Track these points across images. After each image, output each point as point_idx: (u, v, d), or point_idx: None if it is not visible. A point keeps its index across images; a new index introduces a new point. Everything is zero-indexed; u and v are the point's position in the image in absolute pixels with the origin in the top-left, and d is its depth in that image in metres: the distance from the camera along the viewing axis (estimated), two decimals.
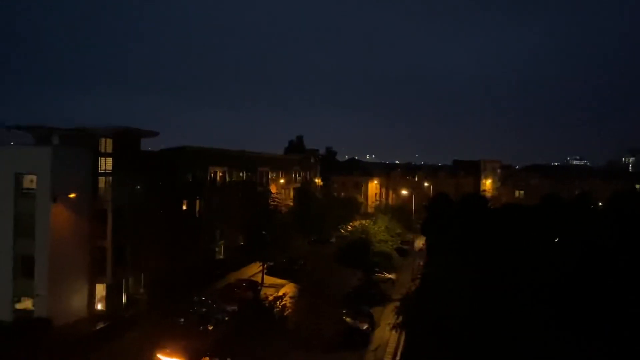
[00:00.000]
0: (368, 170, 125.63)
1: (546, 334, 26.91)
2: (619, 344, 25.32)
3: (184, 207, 54.25)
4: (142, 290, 45.37)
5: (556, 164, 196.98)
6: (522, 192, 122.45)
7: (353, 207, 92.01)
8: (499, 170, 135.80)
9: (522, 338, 26.83)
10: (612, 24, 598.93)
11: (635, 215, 44.40)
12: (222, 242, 61.91)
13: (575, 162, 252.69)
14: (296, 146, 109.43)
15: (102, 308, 42.86)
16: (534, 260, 36.13)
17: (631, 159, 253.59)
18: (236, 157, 66.55)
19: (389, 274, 61.58)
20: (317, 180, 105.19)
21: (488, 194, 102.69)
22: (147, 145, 51.07)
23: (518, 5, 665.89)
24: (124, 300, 44.33)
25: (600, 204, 72.83)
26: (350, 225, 73.75)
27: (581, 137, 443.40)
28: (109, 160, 43.68)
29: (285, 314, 36.35)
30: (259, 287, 51.59)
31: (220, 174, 62.05)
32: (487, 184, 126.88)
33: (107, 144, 43.89)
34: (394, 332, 39.75)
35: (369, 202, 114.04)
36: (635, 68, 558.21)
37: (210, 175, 60.07)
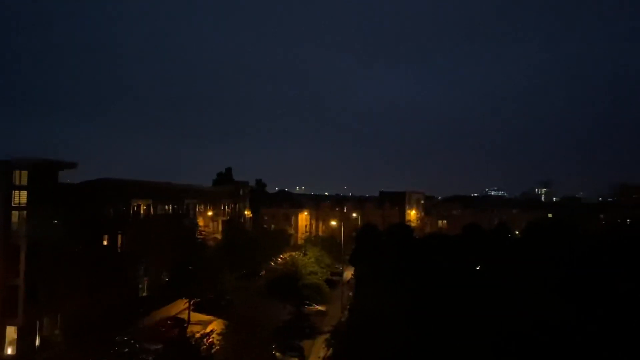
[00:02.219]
0: (298, 202, 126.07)
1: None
2: None
3: (105, 242, 51.80)
4: (57, 332, 42.46)
5: (476, 194, 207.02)
6: (445, 221, 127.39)
7: (283, 239, 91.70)
8: (422, 201, 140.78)
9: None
10: (525, 59, 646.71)
11: (550, 244, 47.27)
12: (147, 278, 59.39)
13: (493, 192, 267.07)
14: (225, 178, 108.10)
15: (12, 353, 39.64)
16: (458, 287, 37.45)
17: (543, 190, 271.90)
18: (161, 190, 64.71)
19: (319, 305, 61.44)
20: (247, 213, 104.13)
21: (413, 224, 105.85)
22: (66, 177, 48.72)
23: (439, 43, 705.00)
24: (37, 342, 41.25)
25: (517, 232, 77.02)
26: (280, 258, 73.29)
27: (499, 169, 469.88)
28: (24, 193, 41.20)
29: (212, 352, 35.17)
30: (185, 325, 49.75)
31: (144, 207, 59.96)
32: (412, 214, 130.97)
33: (21, 176, 41.43)
34: None
35: (299, 234, 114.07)
36: (541, 103, 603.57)
37: (133, 209, 57.91)
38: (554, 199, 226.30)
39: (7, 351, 39.71)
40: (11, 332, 39.89)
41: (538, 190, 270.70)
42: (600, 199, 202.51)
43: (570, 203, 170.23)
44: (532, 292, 32.61)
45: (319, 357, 40.53)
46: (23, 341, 39.81)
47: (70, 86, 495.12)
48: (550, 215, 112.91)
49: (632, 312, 29.14)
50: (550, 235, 48.20)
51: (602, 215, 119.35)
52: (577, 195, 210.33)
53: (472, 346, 28.24)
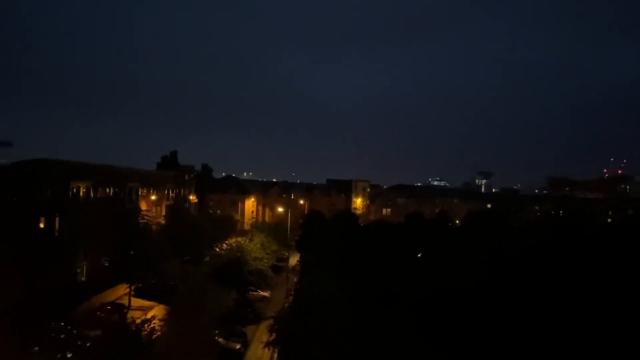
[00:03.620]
0: (245, 188, 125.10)
1: (412, 343, 28.68)
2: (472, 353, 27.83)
3: (41, 226, 49.68)
4: None
5: (419, 184, 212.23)
6: (389, 210, 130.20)
7: (229, 225, 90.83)
8: (368, 190, 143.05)
9: (390, 347, 28.38)
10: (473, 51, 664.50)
11: (486, 232, 49.39)
12: (85, 263, 57.51)
13: (435, 182, 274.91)
14: (170, 162, 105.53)
15: None
16: (400, 273, 38.56)
17: (484, 181, 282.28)
18: (103, 172, 62.61)
19: (263, 291, 61.61)
20: (192, 198, 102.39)
21: (358, 212, 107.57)
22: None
23: (386, 33, 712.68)
24: None
25: (457, 221, 79.84)
26: (226, 244, 72.72)
27: (441, 160, 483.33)
28: None
29: (153, 338, 34.68)
30: (125, 310, 48.64)
31: (84, 189, 57.84)
32: (358, 202, 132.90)
33: None
34: (267, 350, 39.81)
35: (246, 220, 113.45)
36: (488, 97, 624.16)
37: (73, 191, 55.77)
38: (493, 190, 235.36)
39: None
40: None
41: (478, 182, 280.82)
42: (536, 191, 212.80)
43: (508, 194, 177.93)
44: (467, 277, 34.04)
45: (262, 342, 40.75)
46: None
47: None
48: (489, 205, 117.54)
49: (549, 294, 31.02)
50: (485, 224, 50.33)
51: (536, 207, 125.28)
52: (515, 187, 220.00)
53: (412, 329, 29.20)
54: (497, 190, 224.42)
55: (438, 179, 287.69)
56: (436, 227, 58.75)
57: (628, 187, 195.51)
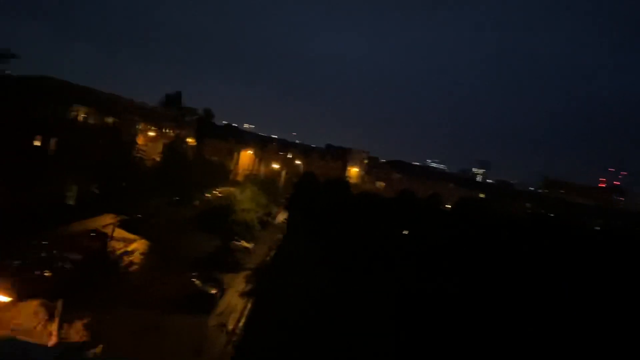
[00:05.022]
0: (243, 139, 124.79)
1: (379, 316, 29.23)
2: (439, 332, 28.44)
3: (37, 143, 49.62)
4: None
5: (417, 163, 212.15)
6: (383, 183, 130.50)
7: (223, 173, 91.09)
8: (365, 161, 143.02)
9: (359, 315, 28.94)
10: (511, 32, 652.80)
11: (475, 219, 49.67)
12: (75, 187, 57.69)
13: (434, 164, 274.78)
14: (173, 101, 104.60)
15: None
16: (382, 246, 38.97)
17: (481, 170, 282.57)
18: (105, 100, 62.27)
19: (246, 243, 62.14)
20: (190, 140, 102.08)
21: (352, 180, 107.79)
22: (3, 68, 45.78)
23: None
24: None
25: (449, 206, 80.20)
26: (217, 191, 72.93)
27: (442, 143, 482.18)
28: None
29: (130, 270, 35.18)
30: (108, 239, 49.11)
31: (84, 114, 57.64)
32: (353, 171, 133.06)
33: None
34: (242, 299, 40.48)
35: (240, 170, 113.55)
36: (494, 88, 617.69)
37: (73, 114, 55.56)
38: (489, 180, 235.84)
39: None
40: None
41: (475, 170, 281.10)
42: (532, 188, 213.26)
43: (503, 187, 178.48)
44: (447, 261, 34.48)
45: (238, 291, 41.39)
46: None
47: None
48: (482, 195, 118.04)
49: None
50: (475, 212, 50.58)
51: (528, 204, 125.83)
52: (511, 182, 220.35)
53: (383, 302, 29.72)
54: (493, 181, 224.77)
55: (437, 161, 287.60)
56: (427, 207, 59.01)
57: (622, 199, 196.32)
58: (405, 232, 51.13)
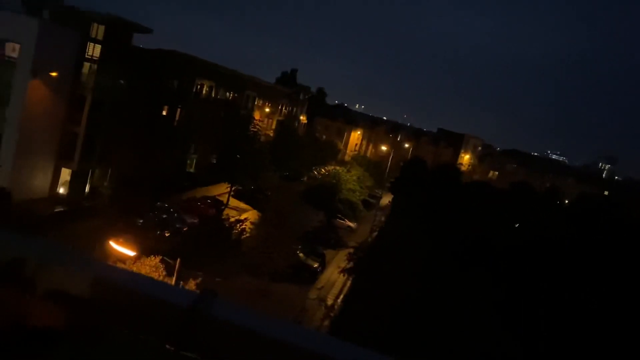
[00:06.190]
0: (353, 119, 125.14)
1: (487, 311, 28.17)
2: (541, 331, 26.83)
3: (164, 113, 53.52)
4: (106, 184, 45.33)
5: (536, 154, 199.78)
6: (496, 173, 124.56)
7: (331, 152, 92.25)
8: (479, 148, 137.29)
9: (463, 310, 28.11)
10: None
11: (596, 219, 45.83)
12: (195, 156, 61.73)
13: (554, 156, 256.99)
14: (288, 79, 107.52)
15: (64, 192, 42.83)
16: (491, 240, 37.35)
17: (607, 166, 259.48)
18: (226, 75, 65.31)
19: (350, 222, 62.78)
20: (302, 118, 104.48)
21: (463, 168, 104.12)
22: (139, 42, 49.73)
23: None
24: (86, 189, 44.31)
25: (567, 201, 74.88)
26: (324, 169, 74.19)
27: (566, 134, 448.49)
28: (98, 47, 42.45)
29: (242, 237, 37.02)
30: (223, 207, 52.07)
31: (207, 87, 61.06)
32: (466, 158, 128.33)
33: (98, 30, 42.51)
34: (342, 275, 41.10)
35: (348, 151, 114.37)
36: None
37: (197, 87, 59.07)
38: (616, 177, 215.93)
39: (59, 190, 42.92)
40: (65, 174, 42.86)
41: (601, 165, 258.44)
42: None
43: (632, 186, 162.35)
44: (564, 263, 32.24)
45: (339, 267, 42.07)
46: (74, 185, 42.85)
47: None
48: (606, 193, 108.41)
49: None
50: (597, 212, 46.58)
51: None
52: None
53: (485, 299, 28.57)
54: (620, 179, 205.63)
55: (558, 152, 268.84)
56: (543, 202, 55.49)
57: None
58: (517, 225, 48.61)
